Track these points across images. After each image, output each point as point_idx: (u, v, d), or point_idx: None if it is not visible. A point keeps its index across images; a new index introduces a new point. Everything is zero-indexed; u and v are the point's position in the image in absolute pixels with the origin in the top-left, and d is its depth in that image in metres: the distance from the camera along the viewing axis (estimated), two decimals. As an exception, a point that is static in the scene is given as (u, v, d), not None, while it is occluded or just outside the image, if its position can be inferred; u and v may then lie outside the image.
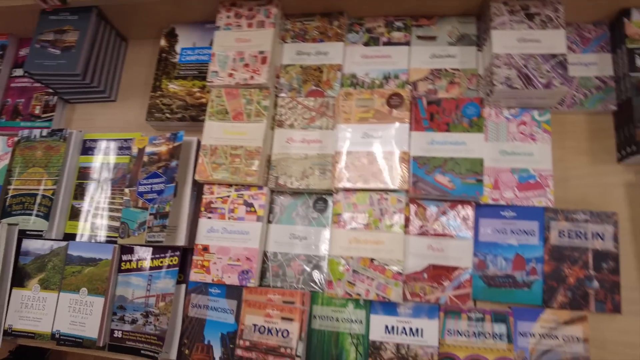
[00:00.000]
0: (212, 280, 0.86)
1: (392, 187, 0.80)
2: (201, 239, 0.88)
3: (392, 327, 0.82)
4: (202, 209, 0.89)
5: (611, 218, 0.82)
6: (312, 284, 0.87)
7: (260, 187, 0.88)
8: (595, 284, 0.80)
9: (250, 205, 0.88)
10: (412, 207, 0.85)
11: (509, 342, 0.79)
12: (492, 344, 0.79)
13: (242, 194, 0.88)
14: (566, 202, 0.86)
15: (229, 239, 0.87)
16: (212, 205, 0.89)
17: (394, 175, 0.81)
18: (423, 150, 0.84)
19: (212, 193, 0.89)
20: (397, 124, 0.83)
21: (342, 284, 0.80)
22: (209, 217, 0.88)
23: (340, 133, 0.85)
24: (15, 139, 1.07)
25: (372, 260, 0.80)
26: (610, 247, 0.81)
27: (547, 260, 0.82)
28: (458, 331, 0.81)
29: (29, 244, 1.00)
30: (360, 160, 0.82)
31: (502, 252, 0.83)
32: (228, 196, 0.89)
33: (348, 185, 0.82)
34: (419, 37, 0.94)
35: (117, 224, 0.97)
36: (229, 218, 0.88)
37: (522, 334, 0.80)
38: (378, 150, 0.82)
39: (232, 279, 0.85)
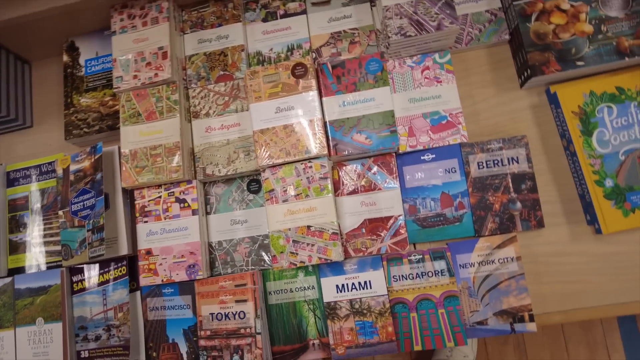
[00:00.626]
0: (162, 280, 0.87)
1: (312, 154, 0.83)
2: (142, 244, 0.88)
3: (343, 286, 0.86)
4: (137, 214, 0.89)
5: (521, 141, 0.87)
6: (261, 263, 0.89)
7: (189, 182, 0.89)
8: (518, 205, 0.86)
9: (183, 201, 0.89)
10: (339, 170, 0.88)
11: (450, 276, 0.84)
12: (436, 281, 0.84)
13: (172, 192, 0.89)
14: (480, 134, 0.91)
15: (169, 238, 0.88)
16: (146, 209, 0.89)
17: (312, 143, 0.83)
18: (337, 114, 0.86)
19: (143, 197, 0.90)
20: (305, 93, 0.85)
21: (285, 256, 0.83)
22: (146, 221, 0.89)
23: (254, 113, 0.86)
24: None
25: (308, 227, 0.83)
26: (525, 168, 0.86)
27: (472, 192, 0.87)
28: (402, 276, 0.85)
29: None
30: (278, 135, 0.84)
31: (429, 194, 0.88)
32: (159, 197, 0.89)
33: (271, 161, 0.84)
34: (314, 4, 0.95)
35: (59, 247, 0.97)
36: (164, 218, 0.88)
37: (462, 265, 0.85)
38: (293, 122, 0.84)
39: (180, 276, 0.86)
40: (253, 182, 0.92)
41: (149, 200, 0.89)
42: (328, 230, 0.82)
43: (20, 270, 0.98)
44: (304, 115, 0.84)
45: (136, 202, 0.90)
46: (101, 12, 0.97)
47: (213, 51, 0.94)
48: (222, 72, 0.93)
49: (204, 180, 0.91)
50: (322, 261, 0.82)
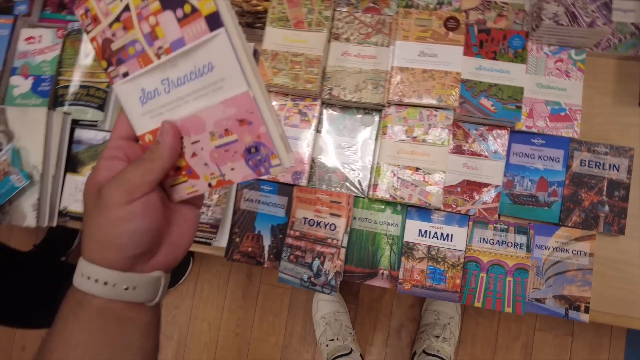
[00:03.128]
0: (267, 177, 0.93)
1: (443, 104, 0.88)
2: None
3: (425, 231, 0.92)
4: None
5: (628, 152, 0.92)
6: (354, 189, 0.95)
7: (314, 99, 0.94)
8: (606, 208, 0.91)
9: (305, 114, 0.94)
10: (453, 128, 0.94)
11: (527, 252, 0.90)
12: (513, 251, 0.91)
13: (297, 104, 0.95)
14: (590, 135, 0.96)
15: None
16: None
17: (445, 94, 0.88)
18: (471, 75, 0.91)
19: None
20: (452, 46, 0.89)
21: (386, 187, 0.89)
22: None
23: (398, 49, 0.90)
24: (65, 31, 1.08)
25: (417, 169, 0.89)
26: (623, 178, 0.92)
27: (568, 184, 0.92)
28: (484, 239, 0.91)
29: (82, 134, 1.04)
30: (415, 77, 0.89)
31: (529, 175, 0.93)
32: (284, 104, 0.95)
33: (401, 99, 0.89)
34: (476, -31, 0.98)
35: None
36: (284, 124, 0.94)
37: (538, 246, 0.92)
38: (433, 69, 0.89)
39: (286, 177, 0.93)
40: (368, 115, 0.97)
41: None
42: (435, 177, 0.88)
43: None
44: (445, 66, 0.89)
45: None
46: None
47: (370, -17, 0.98)
48: (371, 4, 0.97)
49: (328, 101, 0.96)
50: (422, 203, 0.88)
